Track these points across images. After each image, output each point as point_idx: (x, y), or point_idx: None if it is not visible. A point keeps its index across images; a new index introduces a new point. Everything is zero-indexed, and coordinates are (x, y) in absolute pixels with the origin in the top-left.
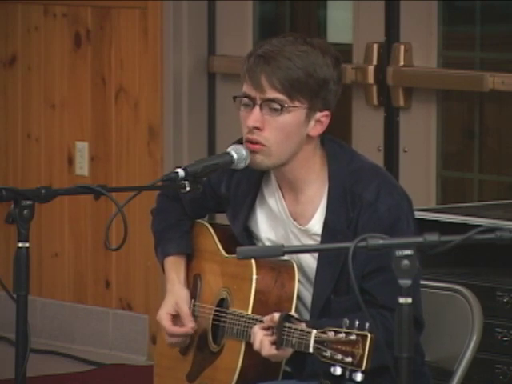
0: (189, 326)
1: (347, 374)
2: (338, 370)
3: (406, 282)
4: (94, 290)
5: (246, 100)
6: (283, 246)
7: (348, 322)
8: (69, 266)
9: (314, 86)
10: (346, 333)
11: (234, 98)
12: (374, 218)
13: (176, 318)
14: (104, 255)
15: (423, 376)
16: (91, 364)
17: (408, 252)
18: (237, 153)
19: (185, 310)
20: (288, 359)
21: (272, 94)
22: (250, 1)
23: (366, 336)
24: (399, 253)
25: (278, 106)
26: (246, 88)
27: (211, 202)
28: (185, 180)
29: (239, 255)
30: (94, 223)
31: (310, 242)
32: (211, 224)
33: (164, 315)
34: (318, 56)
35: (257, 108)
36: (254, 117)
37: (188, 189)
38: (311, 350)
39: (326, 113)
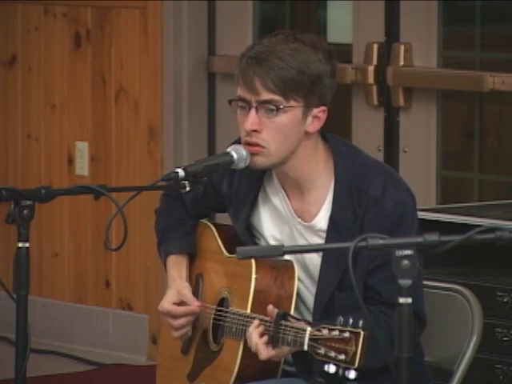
0: (195, 304)
1: (340, 371)
2: (332, 368)
3: (406, 282)
4: (94, 290)
5: (241, 103)
6: (283, 246)
7: (342, 319)
8: (69, 266)
9: (308, 83)
10: (339, 330)
11: (230, 101)
12: (380, 214)
13: (179, 305)
14: (104, 255)
15: (423, 375)
16: (91, 364)
17: (408, 252)
18: (237, 153)
19: (188, 295)
20: (294, 360)
21: (267, 95)
22: (250, 1)
23: (359, 333)
24: (399, 253)
25: (273, 107)
26: (241, 91)
27: (213, 201)
28: (185, 180)
29: (239, 255)
30: (94, 223)
31: (315, 238)
32: (214, 224)
33: (166, 303)
34: (310, 52)
35: (253, 111)
36: (251, 120)
37: (188, 189)
38: (306, 348)
39: (323, 108)
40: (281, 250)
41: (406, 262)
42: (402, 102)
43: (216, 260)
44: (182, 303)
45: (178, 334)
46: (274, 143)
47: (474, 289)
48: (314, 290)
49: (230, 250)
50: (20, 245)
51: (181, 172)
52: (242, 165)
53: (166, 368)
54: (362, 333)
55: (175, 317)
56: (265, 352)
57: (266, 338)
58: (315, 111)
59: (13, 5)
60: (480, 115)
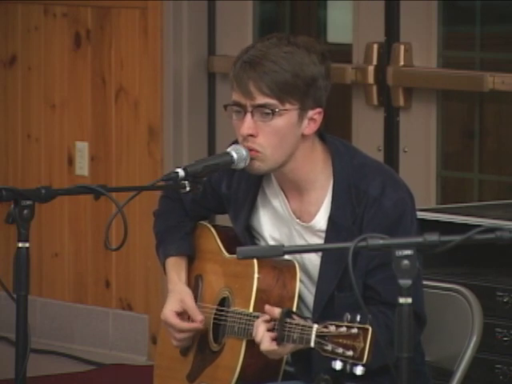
0: (198, 319)
1: (348, 367)
2: (338, 364)
3: (406, 282)
4: (94, 290)
5: (236, 108)
6: (283, 246)
7: (349, 316)
8: (69, 266)
9: (303, 86)
10: (347, 326)
11: (225, 106)
12: (379, 214)
13: (181, 315)
14: (104, 255)
15: (423, 375)
16: (91, 364)
17: (408, 252)
18: (237, 153)
19: (191, 304)
20: (293, 360)
21: (262, 99)
22: (250, 1)
23: (368, 329)
24: (399, 253)
25: (269, 111)
26: (236, 96)
27: (212, 202)
28: (185, 180)
29: (239, 255)
30: (94, 223)
31: (315, 238)
32: (213, 226)
33: (169, 313)
34: (304, 55)
35: (248, 115)
36: (247, 124)
37: (188, 189)
38: (312, 345)
39: (319, 110)
40: (281, 250)
41: (405, 261)
42: (402, 102)
43: (216, 261)
44: (184, 312)
45: (178, 344)
46: (270, 148)
47: (474, 289)
48: (313, 289)
49: (230, 251)
50: (20, 245)
51: (181, 172)
52: (241, 165)
53: (164, 368)
54: (370, 329)
55: (179, 330)
56: (267, 344)
57: (274, 334)
58: (311, 113)
59: (13, 5)
60: (480, 115)
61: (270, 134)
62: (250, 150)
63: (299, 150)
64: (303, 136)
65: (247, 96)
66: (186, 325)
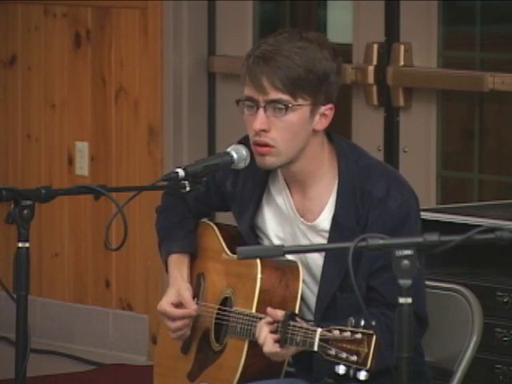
0: (191, 307)
1: (351, 372)
2: (342, 369)
3: (406, 282)
4: (94, 290)
5: (249, 103)
6: (283, 246)
7: (353, 320)
8: (69, 266)
9: (316, 81)
10: (351, 331)
11: (237, 101)
12: (384, 215)
13: (178, 307)
14: (104, 255)
15: (423, 375)
16: (91, 364)
17: (408, 252)
18: (237, 153)
19: (186, 296)
20: (294, 361)
21: (275, 94)
22: (250, 1)
23: (372, 335)
24: (399, 253)
25: (282, 107)
26: (248, 91)
27: (216, 199)
28: (185, 180)
29: (239, 255)
30: (94, 223)
31: (318, 238)
32: (216, 224)
33: (165, 303)
34: (316, 50)
35: (261, 110)
36: (260, 119)
37: (188, 189)
38: (316, 349)
39: (330, 105)
40: (281, 250)
41: (405, 261)
42: (402, 102)
43: (218, 260)
44: (180, 304)
45: (175, 335)
46: (283, 142)
47: (474, 289)
48: (316, 290)
49: (233, 250)
50: (20, 245)
51: (181, 172)
52: (241, 165)
53: (164, 367)
54: (374, 334)
55: (172, 319)
56: (270, 346)
57: (277, 336)
58: (322, 109)
59: (13, 5)
60: (480, 115)
61: (283, 129)
62: (262, 145)
63: (310, 146)
64: (314, 131)
65: (260, 91)
66: (179, 311)
